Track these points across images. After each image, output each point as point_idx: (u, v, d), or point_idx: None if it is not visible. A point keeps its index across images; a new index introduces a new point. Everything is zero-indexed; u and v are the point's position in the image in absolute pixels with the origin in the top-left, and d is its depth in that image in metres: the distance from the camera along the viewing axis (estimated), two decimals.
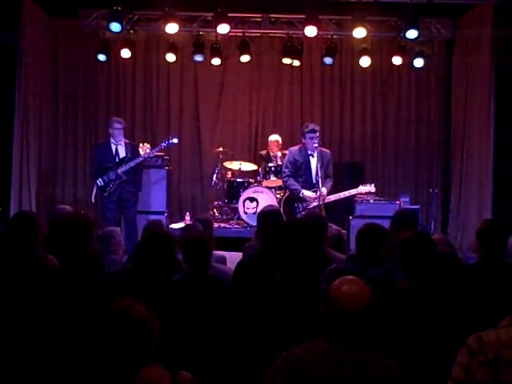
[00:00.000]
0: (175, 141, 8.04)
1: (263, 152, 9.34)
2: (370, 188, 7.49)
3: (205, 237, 3.56)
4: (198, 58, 9.10)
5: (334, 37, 9.15)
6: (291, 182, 7.14)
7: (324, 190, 6.96)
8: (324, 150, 7.26)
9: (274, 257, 3.35)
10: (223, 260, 4.73)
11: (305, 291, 3.14)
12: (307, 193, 7.00)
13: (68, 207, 5.42)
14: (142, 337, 2.18)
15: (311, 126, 7.10)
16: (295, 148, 7.29)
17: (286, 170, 7.20)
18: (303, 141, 7.13)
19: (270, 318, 3.08)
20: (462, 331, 2.90)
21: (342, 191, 7.46)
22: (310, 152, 7.07)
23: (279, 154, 9.08)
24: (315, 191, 6.96)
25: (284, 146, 9.14)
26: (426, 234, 3.34)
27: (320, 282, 3.63)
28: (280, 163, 8.77)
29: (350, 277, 2.35)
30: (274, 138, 9.18)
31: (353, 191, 7.42)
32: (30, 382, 2.73)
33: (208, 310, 3.23)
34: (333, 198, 7.11)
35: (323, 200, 6.91)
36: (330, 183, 7.14)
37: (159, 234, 3.54)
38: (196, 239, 3.50)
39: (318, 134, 7.07)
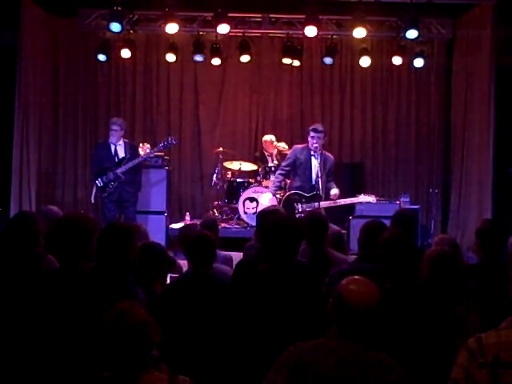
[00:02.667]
0: (174, 142, 8.04)
1: (257, 154, 9.41)
2: (370, 198, 7.46)
3: (211, 236, 3.55)
4: (198, 58, 9.09)
5: (334, 37, 9.13)
6: (276, 180, 7.39)
7: (336, 191, 7.00)
8: (328, 154, 7.26)
9: (263, 254, 3.39)
10: (230, 260, 4.73)
11: (287, 281, 3.18)
12: (264, 198, 7.30)
13: (55, 208, 5.37)
14: (142, 339, 2.18)
15: (314, 126, 7.13)
16: (300, 146, 7.30)
17: (284, 166, 7.31)
18: (308, 139, 7.14)
19: (256, 310, 3.11)
20: (441, 331, 2.93)
21: (341, 191, 7.45)
22: (312, 152, 7.06)
23: (275, 151, 9.12)
24: (314, 195, 6.96)
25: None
26: (405, 234, 3.35)
27: (326, 283, 3.62)
28: (276, 162, 8.81)
29: (358, 276, 2.40)
30: (269, 137, 9.21)
31: (354, 199, 7.41)
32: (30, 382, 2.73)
33: (209, 310, 3.23)
34: (333, 204, 7.09)
35: (334, 203, 6.98)
36: (334, 187, 7.13)
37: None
38: (201, 238, 3.49)
39: (320, 134, 7.00)
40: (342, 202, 7.25)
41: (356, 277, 2.40)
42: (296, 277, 3.22)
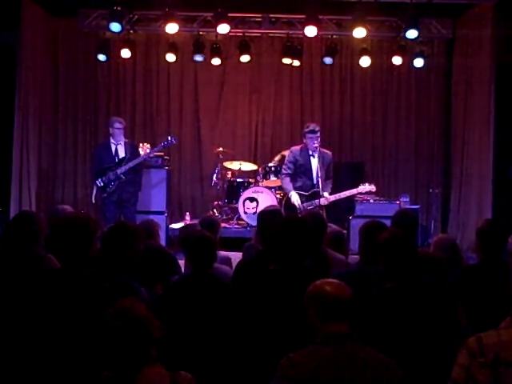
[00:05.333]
0: (174, 141, 8.03)
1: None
2: (370, 188, 7.44)
3: (211, 237, 3.55)
4: (198, 58, 9.10)
5: (334, 37, 9.14)
6: (286, 181, 7.16)
7: (326, 195, 6.98)
8: (325, 151, 7.24)
9: (272, 254, 3.36)
10: (228, 261, 4.72)
11: (298, 282, 3.16)
12: (295, 197, 6.97)
13: (68, 207, 5.43)
14: (143, 337, 2.18)
15: (311, 127, 7.09)
16: (296, 148, 7.28)
17: (286, 168, 7.21)
18: (304, 141, 7.13)
19: (265, 310, 3.09)
20: (442, 330, 2.93)
21: (342, 191, 7.44)
22: (311, 152, 7.06)
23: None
24: (314, 193, 6.96)
25: (284, 146, 9.13)
26: (405, 233, 3.35)
27: None
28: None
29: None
30: None
31: (353, 191, 7.37)
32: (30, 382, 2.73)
33: (211, 310, 3.23)
34: (333, 198, 7.10)
35: (327, 203, 6.93)
36: (330, 185, 7.14)
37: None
38: (201, 239, 3.49)
39: (318, 134, 7.05)
40: (343, 194, 7.22)
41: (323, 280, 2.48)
42: (305, 278, 3.21)
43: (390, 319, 2.91)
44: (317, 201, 6.88)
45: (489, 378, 2.08)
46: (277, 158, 9.08)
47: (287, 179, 7.16)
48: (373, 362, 2.24)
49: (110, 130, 7.75)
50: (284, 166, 7.33)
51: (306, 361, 2.23)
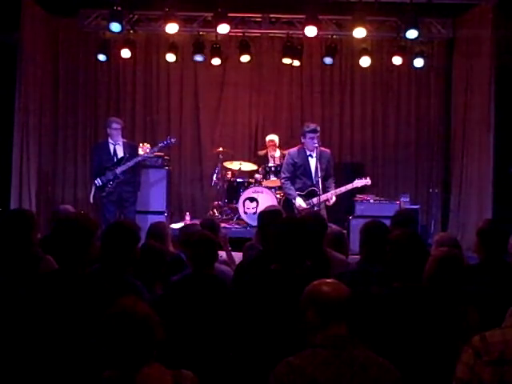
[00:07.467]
0: (173, 141, 8.02)
1: (261, 152, 9.34)
2: (365, 181, 7.41)
3: (211, 236, 3.55)
4: (198, 58, 9.10)
5: (334, 37, 9.15)
6: (288, 185, 7.14)
7: (329, 194, 6.97)
8: (324, 149, 7.23)
9: (273, 254, 3.36)
10: (232, 262, 4.72)
11: (299, 282, 3.15)
12: (300, 201, 6.97)
13: (70, 207, 5.44)
14: (145, 335, 2.17)
15: (312, 126, 7.08)
16: (294, 150, 7.27)
17: (286, 172, 7.19)
18: (303, 140, 7.11)
19: (266, 310, 3.09)
20: (450, 331, 2.92)
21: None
22: (309, 153, 7.05)
23: (278, 154, 9.07)
24: (311, 191, 6.96)
25: (284, 146, 9.13)
26: (415, 233, 3.34)
27: None
28: (279, 163, 8.74)
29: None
30: (271, 137, 9.18)
31: (348, 186, 7.33)
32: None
33: (211, 310, 3.23)
34: (330, 195, 7.06)
35: (327, 203, 6.92)
36: (332, 183, 7.14)
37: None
38: (202, 239, 3.48)
39: (319, 133, 7.07)
40: (339, 191, 7.18)
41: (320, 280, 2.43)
42: (306, 278, 3.21)
43: (399, 319, 2.88)
44: (315, 199, 6.87)
45: (494, 377, 2.08)
46: (262, 153, 9.24)
47: (288, 184, 7.14)
48: (372, 365, 2.22)
49: (108, 130, 7.77)
50: (283, 170, 7.31)
51: (304, 365, 2.20)
